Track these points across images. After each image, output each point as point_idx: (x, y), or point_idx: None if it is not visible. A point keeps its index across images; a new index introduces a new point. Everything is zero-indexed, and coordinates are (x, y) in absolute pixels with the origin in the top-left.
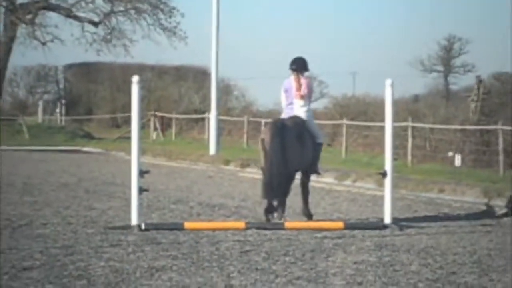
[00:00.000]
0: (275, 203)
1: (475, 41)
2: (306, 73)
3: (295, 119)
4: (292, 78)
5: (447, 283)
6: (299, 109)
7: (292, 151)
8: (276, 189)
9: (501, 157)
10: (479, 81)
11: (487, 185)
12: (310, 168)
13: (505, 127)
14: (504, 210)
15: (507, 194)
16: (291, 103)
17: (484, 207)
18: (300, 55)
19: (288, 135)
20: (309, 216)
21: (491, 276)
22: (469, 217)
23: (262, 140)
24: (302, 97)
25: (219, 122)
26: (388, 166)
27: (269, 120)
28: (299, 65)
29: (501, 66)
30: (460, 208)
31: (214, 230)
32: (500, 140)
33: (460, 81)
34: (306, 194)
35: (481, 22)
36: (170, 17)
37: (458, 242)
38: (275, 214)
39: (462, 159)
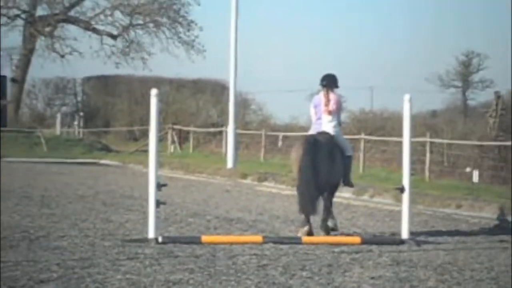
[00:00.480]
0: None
1: (493, 56)
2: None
3: (324, 134)
4: (321, 94)
5: None
6: (327, 125)
7: (324, 166)
8: (310, 204)
9: None
10: (498, 96)
11: (505, 201)
12: (344, 181)
13: None
14: None
15: None
16: (319, 118)
17: (502, 223)
18: (330, 72)
19: (320, 151)
20: (326, 231)
21: None
22: (486, 233)
23: (295, 156)
24: (330, 112)
25: (236, 135)
26: (405, 181)
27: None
28: (329, 81)
29: None
30: (477, 224)
31: (231, 244)
32: None
33: (478, 97)
34: (329, 207)
35: (500, 37)
36: (188, 30)
37: (476, 258)
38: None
39: (480, 175)
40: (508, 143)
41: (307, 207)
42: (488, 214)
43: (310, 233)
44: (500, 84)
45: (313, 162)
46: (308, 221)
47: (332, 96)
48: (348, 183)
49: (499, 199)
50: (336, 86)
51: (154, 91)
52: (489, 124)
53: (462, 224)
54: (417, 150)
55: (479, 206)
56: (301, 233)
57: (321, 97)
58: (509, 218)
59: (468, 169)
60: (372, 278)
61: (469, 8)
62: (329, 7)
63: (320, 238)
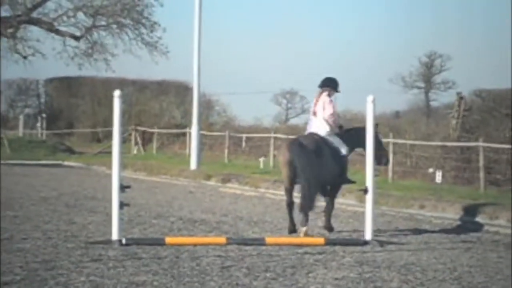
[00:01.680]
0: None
1: (456, 58)
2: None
3: (312, 135)
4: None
5: None
6: (315, 126)
7: (311, 167)
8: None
9: (481, 174)
10: (460, 97)
11: (468, 201)
12: (341, 180)
13: (485, 144)
14: None
15: (487, 211)
16: (310, 120)
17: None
18: (330, 76)
19: (304, 153)
20: (330, 230)
21: None
22: (449, 233)
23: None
24: (314, 113)
25: (200, 137)
26: (369, 182)
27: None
28: (322, 84)
29: (482, 83)
30: (440, 225)
31: (195, 245)
32: (481, 157)
33: (441, 98)
34: (331, 208)
35: (462, 38)
36: (151, 31)
37: (439, 259)
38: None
39: (443, 176)
40: (471, 143)
41: (304, 205)
42: (451, 215)
43: (306, 233)
44: (462, 85)
45: (297, 163)
46: (307, 221)
47: (323, 99)
48: (346, 181)
49: (462, 200)
50: (333, 89)
51: (117, 93)
52: (451, 125)
53: (425, 225)
54: None
55: (442, 207)
56: (302, 233)
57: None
58: (472, 219)
59: (431, 170)
60: (336, 279)
61: (432, 9)
62: (293, 9)
63: (284, 239)
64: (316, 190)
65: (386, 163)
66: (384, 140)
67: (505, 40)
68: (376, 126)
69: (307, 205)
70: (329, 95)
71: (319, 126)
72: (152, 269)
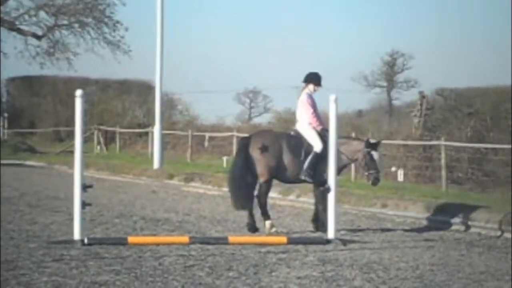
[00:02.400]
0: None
1: (418, 56)
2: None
3: (267, 132)
4: None
5: None
6: (298, 122)
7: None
8: (239, 200)
9: (443, 173)
10: (422, 96)
11: (430, 200)
12: (301, 174)
13: (447, 143)
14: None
15: (449, 209)
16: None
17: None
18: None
19: (243, 150)
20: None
21: None
22: (411, 232)
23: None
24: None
25: (163, 136)
26: (331, 181)
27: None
28: (304, 79)
29: (444, 82)
30: (402, 223)
31: (157, 244)
32: (443, 155)
33: (403, 97)
34: (324, 206)
35: (424, 37)
36: (114, 31)
37: (401, 257)
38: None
39: (405, 174)
40: (433, 142)
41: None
42: (413, 213)
43: (272, 226)
44: (424, 84)
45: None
46: (264, 214)
47: (301, 98)
48: (308, 176)
49: (424, 198)
50: (317, 84)
51: (79, 92)
52: (414, 124)
53: (387, 223)
54: None
55: (404, 205)
56: (267, 227)
57: None
58: (434, 217)
59: (393, 169)
60: (299, 277)
61: (394, 8)
62: (257, 8)
63: (247, 238)
64: (250, 186)
65: (374, 182)
66: None
67: (467, 38)
68: (374, 144)
69: (258, 201)
70: (315, 90)
71: (298, 122)
72: (115, 268)
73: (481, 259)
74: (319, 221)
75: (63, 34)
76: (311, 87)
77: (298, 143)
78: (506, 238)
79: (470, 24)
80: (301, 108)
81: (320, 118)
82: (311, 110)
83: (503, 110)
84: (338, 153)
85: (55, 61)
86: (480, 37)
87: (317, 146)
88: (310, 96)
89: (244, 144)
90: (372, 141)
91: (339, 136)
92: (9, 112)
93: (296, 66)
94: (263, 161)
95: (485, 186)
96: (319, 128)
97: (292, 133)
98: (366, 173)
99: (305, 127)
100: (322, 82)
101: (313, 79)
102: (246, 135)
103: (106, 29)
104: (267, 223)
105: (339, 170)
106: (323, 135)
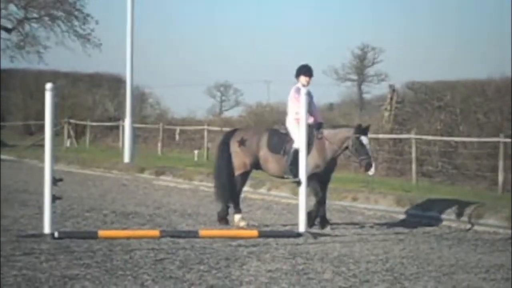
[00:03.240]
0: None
1: (388, 50)
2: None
3: (251, 127)
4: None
5: None
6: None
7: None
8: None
9: (413, 166)
10: (392, 90)
11: (400, 193)
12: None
13: (418, 136)
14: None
15: (419, 202)
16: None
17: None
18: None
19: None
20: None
21: (404, 284)
22: (382, 225)
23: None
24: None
25: (133, 129)
26: (302, 175)
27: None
28: (298, 73)
29: (414, 75)
30: (373, 216)
31: (128, 238)
32: (413, 149)
33: (374, 90)
34: (319, 200)
35: (395, 31)
36: (84, 24)
37: (371, 250)
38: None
39: (375, 168)
40: (403, 136)
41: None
42: (383, 207)
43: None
44: (394, 77)
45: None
46: (236, 207)
47: (290, 96)
48: (290, 173)
49: (395, 192)
50: (310, 76)
51: (49, 85)
52: (384, 117)
53: (358, 217)
54: None
55: (374, 199)
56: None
57: None
58: (404, 210)
59: None
60: (269, 271)
61: (365, 2)
62: (228, 2)
63: (217, 231)
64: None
65: (367, 168)
66: None
67: (438, 32)
68: (363, 128)
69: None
70: (307, 82)
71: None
72: (85, 262)
73: (451, 252)
74: (319, 217)
75: (33, 28)
76: (302, 79)
77: (281, 139)
78: (476, 231)
79: (441, 18)
80: (289, 103)
81: (313, 111)
82: (296, 105)
83: (472, 104)
84: (327, 143)
85: (25, 54)
86: (450, 31)
87: (297, 142)
88: (298, 90)
89: (227, 137)
90: (362, 126)
91: (328, 126)
92: None
93: (267, 60)
94: (240, 155)
95: (455, 179)
96: (310, 121)
97: (282, 129)
98: (358, 160)
99: (290, 122)
100: (293, 77)
101: (301, 70)
102: (217, 128)
103: (76, 22)
104: (236, 216)
105: (333, 162)
106: (315, 128)
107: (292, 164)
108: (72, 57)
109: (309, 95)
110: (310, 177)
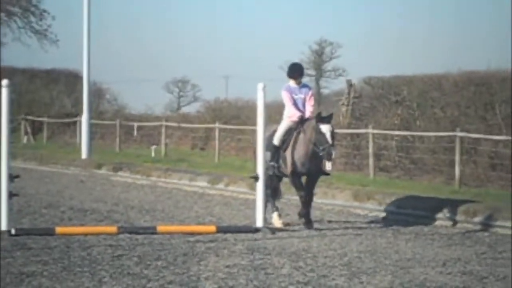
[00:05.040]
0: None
1: (346, 45)
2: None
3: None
4: None
5: (318, 286)
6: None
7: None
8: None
9: (371, 161)
10: (350, 85)
11: (358, 188)
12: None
13: (375, 131)
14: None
15: (377, 197)
16: None
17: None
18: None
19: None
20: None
21: (361, 278)
22: (339, 220)
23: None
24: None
25: (91, 126)
26: (260, 170)
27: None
28: (291, 73)
29: (371, 71)
30: (330, 211)
31: (85, 234)
32: (371, 143)
33: (331, 85)
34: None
35: (352, 26)
36: (41, 20)
37: (329, 245)
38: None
39: (333, 163)
40: (361, 130)
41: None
42: (341, 201)
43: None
44: (352, 72)
45: None
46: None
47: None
48: (271, 170)
49: (352, 186)
50: (300, 76)
51: (5, 82)
52: (341, 112)
53: (315, 211)
54: None
55: (332, 193)
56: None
57: None
58: (362, 205)
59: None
60: (227, 266)
61: None
62: None
63: (175, 227)
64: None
65: (328, 158)
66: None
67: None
68: (323, 117)
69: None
70: (298, 83)
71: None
72: (43, 259)
73: (408, 246)
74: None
75: None
76: (291, 82)
77: (270, 138)
78: (433, 225)
79: (399, 13)
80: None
81: (300, 107)
82: (287, 103)
83: (429, 98)
84: (302, 136)
85: None
86: (408, 27)
87: (275, 138)
88: (288, 88)
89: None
90: (322, 115)
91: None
92: None
93: (225, 56)
94: None
95: (412, 174)
96: (297, 116)
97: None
98: (319, 150)
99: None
100: (251, 72)
101: (288, 73)
102: (174, 124)
103: (33, 18)
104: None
105: (317, 158)
106: (300, 124)
107: (271, 160)
108: (28, 53)
109: (306, 87)
110: (291, 173)
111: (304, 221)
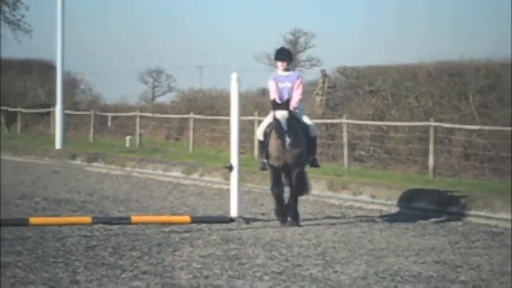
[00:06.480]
0: None
1: (320, 35)
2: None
3: None
4: None
5: (292, 276)
6: None
7: None
8: None
9: (345, 150)
10: (324, 75)
11: (332, 178)
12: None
13: (349, 121)
14: None
15: (351, 187)
16: None
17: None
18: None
19: None
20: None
21: (335, 268)
22: (314, 209)
23: None
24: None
25: (65, 116)
26: (234, 160)
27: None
28: (278, 57)
29: (346, 61)
30: (305, 201)
31: (60, 225)
32: (345, 133)
33: (306, 75)
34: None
35: (326, 16)
36: (14, 9)
37: (303, 235)
38: None
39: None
40: (335, 120)
41: None
42: (315, 191)
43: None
44: (326, 62)
45: None
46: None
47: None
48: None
49: (327, 176)
50: (289, 61)
51: None
52: (316, 102)
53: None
54: (246, 129)
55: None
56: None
57: None
58: (336, 195)
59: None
60: (202, 256)
61: None
62: None
63: (150, 217)
64: None
65: (282, 144)
66: (249, 117)
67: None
68: (278, 104)
69: None
70: (284, 68)
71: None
72: (16, 250)
73: (382, 235)
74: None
75: None
76: (278, 64)
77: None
78: (406, 214)
79: (373, 2)
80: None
81: (283, 95)
82: (271, 93)
83: (403, 88)
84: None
85: None
86: (382, 17)
87: (258, 132)
88: (274, 77)
89: None
90: (278, 101)
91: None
92: None
93: (199, 46)
94: None
95: (386, 164)
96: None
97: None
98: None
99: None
100: (225, 62)
101: (275, 56)
102: (149, 114)
103: (6, 8)
104: None
105: (294, 150)
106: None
107: (258, 154)
108: (2, 43)
109: (294, 75)
110: (270, 168)
111: (292, 215)
